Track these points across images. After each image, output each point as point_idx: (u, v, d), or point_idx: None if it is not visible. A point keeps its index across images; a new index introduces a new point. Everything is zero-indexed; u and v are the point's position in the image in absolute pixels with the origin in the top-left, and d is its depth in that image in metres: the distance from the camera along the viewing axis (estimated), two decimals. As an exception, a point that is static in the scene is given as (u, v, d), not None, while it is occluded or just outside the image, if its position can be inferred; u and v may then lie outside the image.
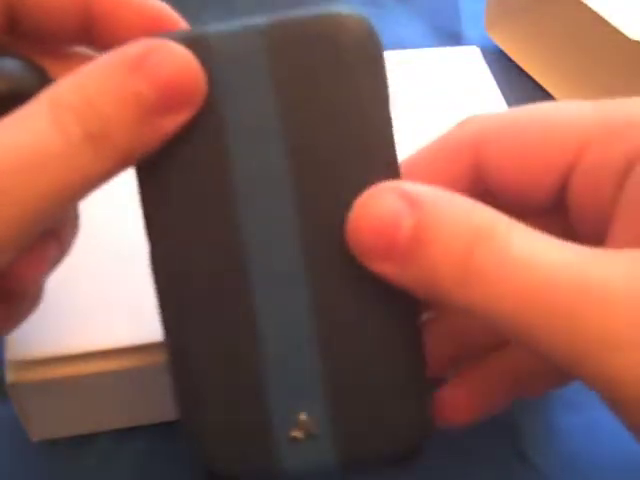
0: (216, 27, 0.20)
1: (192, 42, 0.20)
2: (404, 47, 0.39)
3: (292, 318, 0.21)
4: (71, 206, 0.23)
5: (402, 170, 0.21)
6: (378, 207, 0.19)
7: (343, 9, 0.20)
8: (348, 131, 0.20)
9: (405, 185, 0.19)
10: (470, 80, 0.37)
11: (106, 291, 0.28)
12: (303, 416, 0.21)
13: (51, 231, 0.22)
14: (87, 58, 0.22)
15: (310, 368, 0.21)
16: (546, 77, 0.46)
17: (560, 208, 0.22)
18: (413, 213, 0.18)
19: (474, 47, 0.39)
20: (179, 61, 0.19)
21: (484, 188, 0.23)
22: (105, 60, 0.19)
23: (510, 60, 0.47)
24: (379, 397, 0.21)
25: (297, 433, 0.21)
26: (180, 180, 0.20)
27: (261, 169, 0.20)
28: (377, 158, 0.20)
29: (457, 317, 0.24)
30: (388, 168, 0.20)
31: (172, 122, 0.19)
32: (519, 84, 0.46)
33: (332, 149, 0.20)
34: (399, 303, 0.21)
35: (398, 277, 0.19)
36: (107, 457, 0.30)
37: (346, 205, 0.19)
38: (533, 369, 0.24)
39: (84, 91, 0.19)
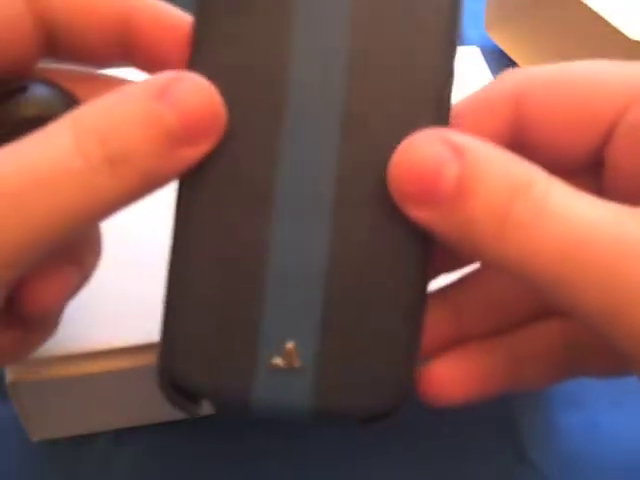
0: None
1: None
2: (404, 47, 0.39)
3: (307, 246, 0.20)
4: (90, 229, 0.22)
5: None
6: (423, 152, 0.19)
7: None
8: (410, 69, 0.20)
9: (451, 133, 0.19)
10: (470, 80, 0.37)
11: (106, 291, 0.28)
12: (290, 344, 0.20)
13: (72, 257, 0.22)
14: (116, 83, 0.23)
15: (311, 298, 0.20)
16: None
17: (595, 168, 0.22)
18: (457, 162, 0.19)
19: (474, 47, 0.39)
20: (202, 93, 0.19)
21: (522, 143, 0.22)
22: (131, 87, 0.19)
23: (510, 60, 0.47)
24: (370, 347, 0.20)
25: (279, 361, 0.20)
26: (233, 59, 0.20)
27: (316, 86, 0.20)
28: (430, 103, 0.20)
29: (463, 294, 0.24)
30: (439, 116, 0.20)
31: (192, 153, 0.19)
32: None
33: (390, 83, 0.20)
34: (414, 262, 0.20)
35: (434, 223, 0.19)
36: (107, 457, 0.30)
37: (390, 144, 0.20)
38: (536, 356, 0.23)
39: (108, 114, 0.19)
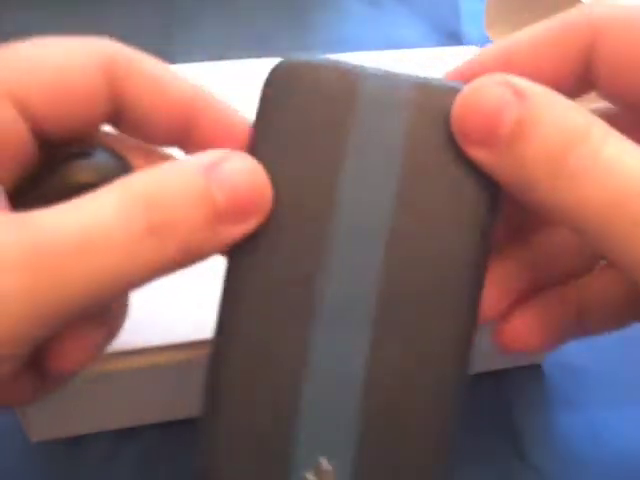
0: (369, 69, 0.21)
1: (348, 70, 0.21)
2: (404, 47, 0.40)
3: (345, 365, 0.20)
4: (124, 294, 0.22)
5: (507, 45, 0.22)
6: (487, 93, 0.19)
7: None
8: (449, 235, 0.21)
9: (514, 78, 0.20)
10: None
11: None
12: (324, 462, 0.20)
13: (102, 318, 0.21)
14: (169, 157, 0.23)
15: (347, 417, 0.20)
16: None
17: None
18: (518, 105, 0.19)
19: (474, 47, 0.39)
20: (251, 173, 0.20)
21: (588, 83, 0.22)
22: (181, 161, 0.19)
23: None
24: (404, 468, 0.20)
25: (311, 477, 0.20)
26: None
27: (363, 206, 0.21)
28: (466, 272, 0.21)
29: (531, 248, 0.24)
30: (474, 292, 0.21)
31: (237, 230, 0.20)
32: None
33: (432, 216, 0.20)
34: (450, 387, 0.20)
35: (492, 164, 0.20)
36: (107, 457, 0.30)
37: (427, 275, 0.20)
38: (602, 301, 0.24)
39: (157, 184, 0.19)
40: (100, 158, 0.21)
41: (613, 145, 0.19)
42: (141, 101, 0.21)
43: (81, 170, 0.21)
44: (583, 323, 0.24)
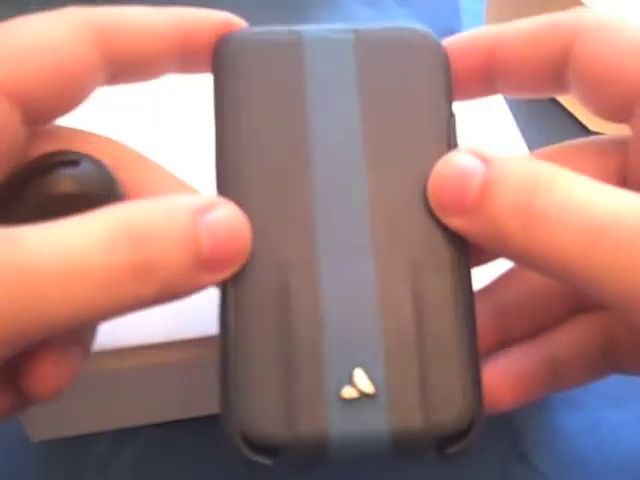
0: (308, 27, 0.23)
1: (288, 33, 0.23)
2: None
3: (358, 285, 0.21)
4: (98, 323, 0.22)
5: (495, 32, 0.24)
6: (456, 164, 0.20)
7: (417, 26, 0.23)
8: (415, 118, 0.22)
9: (480, 148, 0.21)
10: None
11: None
12: (358, 372, 0.20)
13: (75, 336, 0.21)
14: (162, 172, 0.23)
15: (371, 325, 0.20)
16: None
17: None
18: (484, 169, 0.20)
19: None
20: (237, 224, 0.20)
21: (564, 84, 0.23)
22: (172, 199, 0.19)
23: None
24: (436, 363, 0.20)
25: (350, 391, 0.20)
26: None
27: (337, 136, 0.22)
28: (441, 141, 0.22)
29: (503, 296, 0.24)
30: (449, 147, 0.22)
31: (214, 278, 0.20)
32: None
33: (400, 132, 0.22)
34: (461, 270, 0.21)
35: (468, 229, 0.20)
36: (107, 457, 0.30)
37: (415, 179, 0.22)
38: (575, 355, 0.24)
39: (143, 220, 0.19)
40: (85, 169, 0.21)
41: (581, 188, 0.19)
42: (136, 47, 0.22)
43: (65, 180, 0.21)
44: (557, 378, 0.24)
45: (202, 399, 0.30)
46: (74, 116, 0.22)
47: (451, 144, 0.22)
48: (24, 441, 0.30)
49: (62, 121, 0.22)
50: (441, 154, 0.21)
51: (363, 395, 0.20)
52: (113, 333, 0.27)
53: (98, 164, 0.21)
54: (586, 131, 0.43)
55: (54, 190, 0.21)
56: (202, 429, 0.31)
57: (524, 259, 0.20)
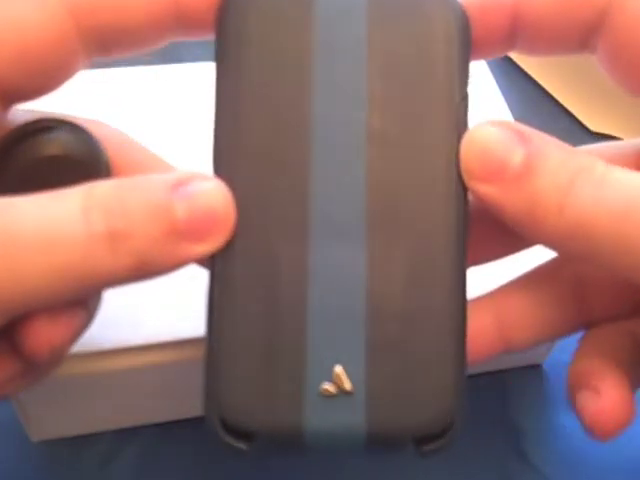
0: None
1: None
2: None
3: (345, 271, 0.20)
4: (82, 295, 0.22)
5: None
6: (493, 135, 0.21)
7: None
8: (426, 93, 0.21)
9: (513, 123, 0.21)
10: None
11: (108, 292, 0.28)
12: (339, 368, 0.20)
13: (80, 301, 0.21)
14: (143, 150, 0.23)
15: (354, 322, 0.20)
16: (545, 76, 0.46)
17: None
18: (524, 145, 0.20)
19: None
20: (216, 194, 0.20)
21: (586, 46, 0.23)
22: (149, 175, 0.20)
23: (509, 59, 0.47)
24: (418, 363, 0.20)
25: (329, 386, 0.20)
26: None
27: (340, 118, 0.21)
28: (450, 122, 0.21)
29: (507, 301, 0.24)
30: (459, 130, 0.21)
31: (196, 250, 0.20)
32: (518, 83, 0.46)
33: (408, 113, 0.21)
34: (454, 275, 0.21)
35: (500, 199, 0.20)
36: (107, 457, 0.30)
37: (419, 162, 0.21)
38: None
39: (120, 193, 0.19)
40: (65, 132, 0.21)
41: (618, 171, 0.20)
42: (120, 18, 0.21)
43: (47, 144, 0.21)
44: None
45: (202, 399, 0.30)
46: (66, 105, 0.22)
47: (460, 130, 0.21)
48: (24, 441, 0.30)
49: (53, 108, 0.22)
50: (448, 140, 0.21)
51: (342, 392, 0.20)
52: (113, 333, 0.27)
53: (79, 128, 0.21)
54: (586, 131, 0.43)
55: (38, 153, 0.21)
56: (202, 429, 0.31)
57: (556, 237, 0.20)
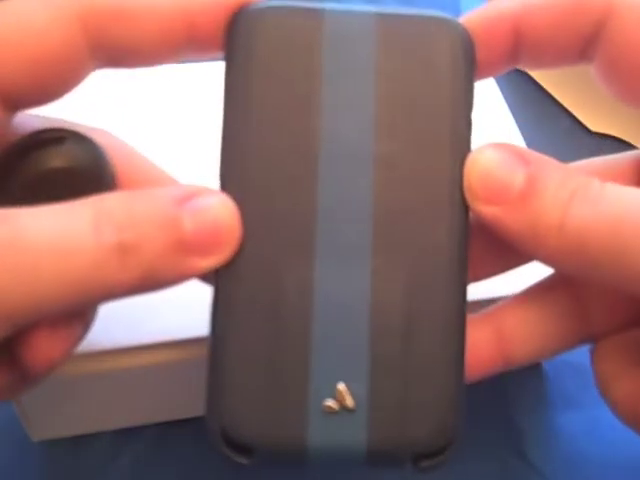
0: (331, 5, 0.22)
1: (308, 11, 0.21)
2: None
3: (349, 290, 0.21)
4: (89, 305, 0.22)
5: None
6: (495, 158, 0.21)
7: (447, 16, 0.22)
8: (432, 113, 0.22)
9: (513, 146, 0.22)
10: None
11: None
12: (341, 386, 0.20)
13: (80, 314, 0.22)
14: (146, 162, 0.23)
15: (357, 340, 0.20)
16: (545, 77, 0.46)
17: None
18: (525, 167, 0.21)
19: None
20: (223, 209, 0.20)
21: (586, 57, 0.23)
22: (157, 189, 0.20)
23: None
24: (419, 382, 0.21)
25: (331, 403, 0.20)
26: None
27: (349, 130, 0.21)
28: (454, 147, 0.22)
29: (506, 317, 0.24)
30: (463, 152, 0.22)
31: (202, 264, 0.20)
32: (518, 82, 0.46)
33: (414, 135, 0.21)
34: (454, 293, 0.21)
35: (502, 219, 0.21)
36: (107, 457, 0.30)
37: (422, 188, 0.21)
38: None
39: (128, 205, 0.19)
40: (73, 144, 0.21)
41: (611, 187, 0.20)
42: (131, 33, 0.21)
43: (54, 156, 0.21)
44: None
45: (202, 399, 0.30)
46: (72, 110, 0.22)
47: (464, 152, 0.21)
48: (24, 441, 0.30)
49: (59, 113, 0.22)
50: (452, 163, 0.21)
51: (344, 409, 0.20)
52: (113, 333, 0.27)
53: (86, 140, 0.21)
54: (586, 131, 0.43)
55: (43, 166, 0.21)
56: (202, 429, 0.31)
57: (558, 255, 0.21)
